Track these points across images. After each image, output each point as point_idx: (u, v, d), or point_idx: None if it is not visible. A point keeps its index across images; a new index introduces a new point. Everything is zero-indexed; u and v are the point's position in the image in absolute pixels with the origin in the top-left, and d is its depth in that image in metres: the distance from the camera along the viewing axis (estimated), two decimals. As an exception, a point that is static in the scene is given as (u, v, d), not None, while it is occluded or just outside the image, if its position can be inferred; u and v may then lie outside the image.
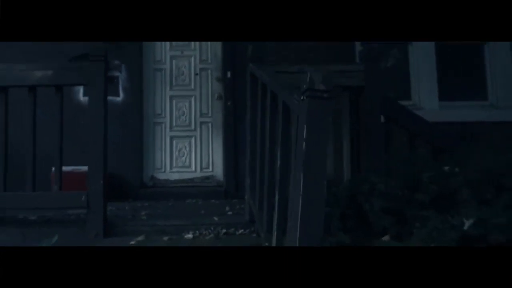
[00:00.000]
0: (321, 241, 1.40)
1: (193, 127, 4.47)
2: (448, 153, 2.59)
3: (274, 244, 1.77)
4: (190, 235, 2.24)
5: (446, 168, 1.91)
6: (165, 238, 2.23)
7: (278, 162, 1.81)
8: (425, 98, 4.75)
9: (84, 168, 2.77)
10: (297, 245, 1.42)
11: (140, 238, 2.27)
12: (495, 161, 1.96)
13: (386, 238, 1.68)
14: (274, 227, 1.80)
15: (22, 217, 2.57)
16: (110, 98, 3.54)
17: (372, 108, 2.48)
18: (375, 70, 2.51)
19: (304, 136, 1.48)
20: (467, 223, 1.49)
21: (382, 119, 2.76)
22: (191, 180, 4.37)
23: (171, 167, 4.41)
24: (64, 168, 2.78)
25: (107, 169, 2.68)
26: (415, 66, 4.80)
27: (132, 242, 2.16)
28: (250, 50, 2.90)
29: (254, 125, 2.55)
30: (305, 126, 1.48)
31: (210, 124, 4.46)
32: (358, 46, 4.68)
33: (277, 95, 1.92)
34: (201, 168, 4.43)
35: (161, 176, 4.40)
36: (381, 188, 1.58)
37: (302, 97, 1.52)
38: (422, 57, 4.79)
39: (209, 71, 4.51)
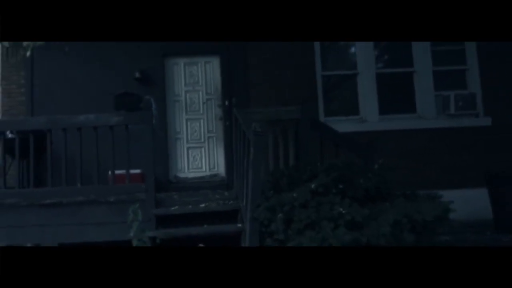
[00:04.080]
0: (258, 199, 3.23)
1: (202, 140, 6.32)
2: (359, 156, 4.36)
3: (243, 204, 3.61)
4: (203, 205, 4.09)
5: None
6: (190, 206, 4.08)
7: (245, 166, 3.65)
8: (368, 113, 6.48)
9: (135, 171, 4.64)
10: (250, 199, 3.24)
11: (175, 207, 4.12)
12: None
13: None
14: (244, 197, 3.63)
15: (104, 200, 4.39)
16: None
17: (305, 129, 4.28)
18: (305, 109, 4.30)
19: (252, 152, 3.31)
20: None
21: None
22: (203, 177, 6.21)
23: (188, 169, 6.26)
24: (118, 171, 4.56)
25: (154, 170, 4.52)
26: (361, 90, 6.55)
27: (172, 208, 4.02)
28: (234, 100, 4.70)
29: (236, 145, 4.37)
30: (252, 147, 3.31)
31: (214, 138, 6.30)
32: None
33: (244, 131, 3.75)
34: (209, 169, 6.27)
35: (181, 175, 6.25)
36: (286, 174, 3.37)
37: (251, 134, 3.35)
38: (366, 83, 6.52)
39: (213, 101, 6.35)
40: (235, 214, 3.84)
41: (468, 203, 5.92)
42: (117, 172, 4.46)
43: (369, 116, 6.52)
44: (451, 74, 6.81)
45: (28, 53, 4.51)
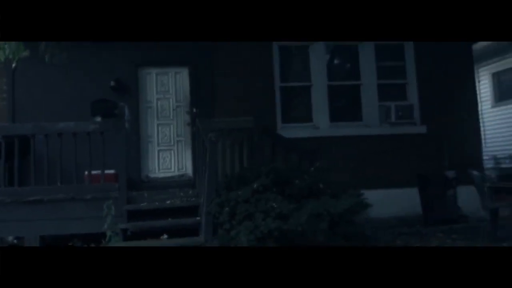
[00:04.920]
0: (212, 196, 3.95)
1: (172, 143, 6.97)
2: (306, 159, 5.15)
3: (202, 200, 4.33)
4: (168, 201, 4.78)
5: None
6: (156, 203, 4.77)
7: (203, 168, 4.36)
8: (320, 121, 7.28)
9: (109, 171, 5.27)
10: (205, 196, 3.97)
11: (144, 204, 4.80)
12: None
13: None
14: (202, 195, 4.34)
15: (82, 197, 5.02)
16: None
17: (257, 137, 5.03)
18: (258, 119, 5.05)
19: (208, 156, 4.03)
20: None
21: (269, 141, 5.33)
22: (172, 177, 6.86)
23: (159, 169, 6.90)
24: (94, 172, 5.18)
25: (110, 171, 5.14)
26: (315, 100, 7.34)
27: (142, 204, 4.70)
28: (198, 110, 5.40)
29: (198, 149, 5.08)
30: (207, 152, 4.03)
31: (183, 142, 6.96)
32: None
33: (203, 139, 4.46)
34: (178, 170, 6.94)
35: (152, 175, 6.89)
36: (236, 176, 4.11)
37: (208, 142, 4.07)
38: (319, 94, 7.30)
39: (182, 108, 7.02)
40: (196, 209, 4.54)
41: (404, 201, 6.88)
42: (93, 172, 5.09)
43: (321, 123, 7.31)
44: (393, 87, 7.69)
45: (13, 65, 5.05)
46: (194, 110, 6.85)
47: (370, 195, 6.67)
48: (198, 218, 4.28)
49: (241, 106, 6.85)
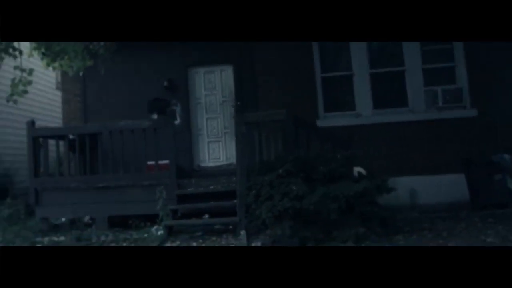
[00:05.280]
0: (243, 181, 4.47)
1: (220, 135, 7.62)
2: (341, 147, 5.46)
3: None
4: (212, 187, 5.41)
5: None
6: (201, 188, 5.42)
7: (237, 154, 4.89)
8: (363, 108, 7.40)
9: (164, 161, 6.04)
10: (238, 181, 4.49)
11: (190, 189, 5.48)
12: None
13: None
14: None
15: (140, 184, 5.82)
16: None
17: (289, 128, 5.43)
18: (288, 112, 5.43)
19: (237, 146, 4.54)
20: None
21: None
22: (220, 166, 7.52)
23: (208, 159, 7.61)
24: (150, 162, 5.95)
25: (165, 161, 5.86)
26: (357, 88, 7.46)
27: (189, 189, 5.38)
28: (241, 103, 5.91)
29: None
30: (237, 143, 4.55)
31: (230, 133, 7.55)
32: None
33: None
34: (226, 159, 7.58)
35: (203, 164, 7.61)
36: (265, 163, 4.56)
37: (238, 134, 4.58)
38: (361, 82, 7.42)
39: (228, 102, 7.63)
40: (235, 193, 5.10)
41: (452, 186, 6.79)
42: (149, 162, 5.90)
43: (363, 111, 7.42)
44: (440, 71, 7.48)
45: (81, 73, 5.99)
46: (238, 103, 7.42)
47: (416, 181, 6.85)
48: (235, 200, 4.83)
49: (282, 99, 7.25)
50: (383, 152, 7.15)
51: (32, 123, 5.71)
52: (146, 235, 4.84)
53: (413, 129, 7.16)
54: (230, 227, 4.76)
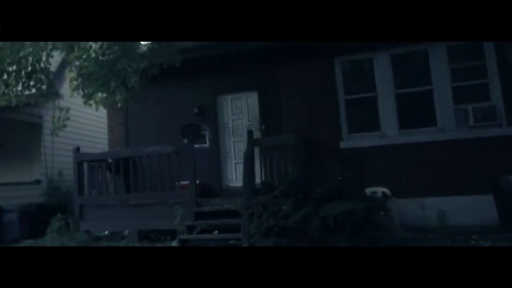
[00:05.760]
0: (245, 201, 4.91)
1: (246, 157, 8.13)
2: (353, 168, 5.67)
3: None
4: (226, 206, 5.87)
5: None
6: (217, 207, 5.91)
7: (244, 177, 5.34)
8: (388, 129, 7.42)
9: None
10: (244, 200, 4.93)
11: (207, 207, 5.99)
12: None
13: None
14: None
15: (166, 202, 6.46)
16: (201, 145, 7.48)
17: (298, 151, 5.77)
18: (298, 135, 5.78)
19: (244, 169, 4.99)
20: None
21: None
22: (246, 186, 7.99)
23: (236, 180, 8.12)
24: (182, 182, 6.63)
25: (196, 181, 6.46)
26: (381, 109, 7.50)
27: (205, 208, 5.90)
28: (265, 128, 6.37)
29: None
30: (243, 166, 4.99)
31: (255, 155, 8.03)
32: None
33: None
34: (261, 177, 8.01)
35: (231, 184, 8.14)
36: (267, 184, 4.94)
37: (244, 158, 5.04)
38: (386, 102, 7.48)
39: (253, 126, 8.14)
40: (244, 212, 5.53)
41: (482, 208, 6.56)
42: (182, 183, 6.55)
43: (389, 131, 7.43)
44: (470, 88, 7.13)
45: (119, 105, 6.86)
46: (263, 127, 7.90)
47: (444, 202, 6.71)
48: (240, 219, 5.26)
49: (305, 121, 7.61)
50: (410, 172, 7.12)
51: (77, 149, 6.68)
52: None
53: (442, 149, 6.98)
54: (238, 242, 5.18)
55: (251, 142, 5.76)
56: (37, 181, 9.50)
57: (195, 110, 8.17)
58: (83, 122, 10.49)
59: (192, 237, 5.36)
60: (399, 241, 4.98)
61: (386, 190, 7.04)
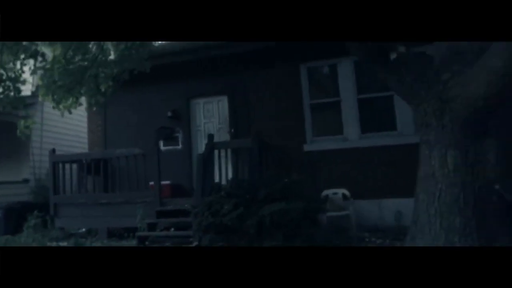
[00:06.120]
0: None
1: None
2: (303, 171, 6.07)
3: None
4: (186, 205, 6.29)
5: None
6: (179, 206, 6.32)
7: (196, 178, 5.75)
8: (350, 133, 7.79)
9: (164, 182, 7.08)
10: (194, 198, 5.35)
11: (170, 206, 6.40)
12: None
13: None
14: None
15: (132, 201, 6.90)
16: (174, 147, 7.90)
17: (254, 154, 6.17)
18: (254, 138, 6.18)
19: (196, 170, 5.40)
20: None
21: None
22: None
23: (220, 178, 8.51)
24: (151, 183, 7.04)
25: (167, 181, 6.87)
26: (344, 113, 7.87)
27: (168, 207, 6.32)
28: (234, 131, 6.80)
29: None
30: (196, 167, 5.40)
31: (223, 157, 8.43)
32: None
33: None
34: (220, 180, 8.43)
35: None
36: (215, 186, 5.34)
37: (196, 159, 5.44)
38: (348, 107, 7.85)
39: (223, 129, 8.54)
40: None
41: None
42: (151, 183, 6.98)
43: (350, 135, 7.83)
44: None
45: (94, 108, 7.28)
46: (232, 130, 8.30)
47: (402, 203, 7.01)
48: (195, 217, 5.66)
49: (272, 125, 8.01)
50: (369, 174, 7.46)
51: (53, 151, 7.12)
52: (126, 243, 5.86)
53: (401, 152, 7.18)
54: (191, 239, 5.58)
55: (210, 144, 6.16)
56: (26, 180, 9.96)
57: (169, 114, 8.58)
58: (72, 123, 10.93)
59: (150, 234, 5.77)
60: (352, 240, 5.35)
61: (346, 192, 7.44)
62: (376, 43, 3.72)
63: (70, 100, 5.97)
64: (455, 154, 3.19)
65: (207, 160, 5.67)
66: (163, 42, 12.66)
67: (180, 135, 8.61)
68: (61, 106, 5.89)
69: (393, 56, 3.50)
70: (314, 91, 8.26)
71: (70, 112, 5.98)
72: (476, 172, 3.11)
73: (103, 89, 6.59)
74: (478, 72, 3.24)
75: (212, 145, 6.19)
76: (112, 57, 6.83)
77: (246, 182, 5.17)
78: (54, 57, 5.06)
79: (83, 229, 7.59)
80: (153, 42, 9.29)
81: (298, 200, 5.01)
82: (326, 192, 7.47)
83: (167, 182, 7.56)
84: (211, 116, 8.67)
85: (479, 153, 3.11)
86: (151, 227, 6.04)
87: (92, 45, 5.80)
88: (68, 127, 11.00)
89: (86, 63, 5.58)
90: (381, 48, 3.70)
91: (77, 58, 5.51)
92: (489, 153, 3.06)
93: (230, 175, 6.70)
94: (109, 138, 8.82)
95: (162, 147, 8.58)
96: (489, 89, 3.10)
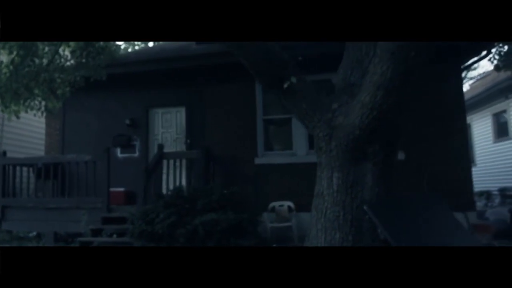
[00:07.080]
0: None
1: (171, 168, 8.75)
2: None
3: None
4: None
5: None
6: (125, 213, 6.52)
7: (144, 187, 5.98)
8: (299, 149, 8.21)
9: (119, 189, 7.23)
10: (143, 202, 5.56)
11: (116, 213, 6.58)
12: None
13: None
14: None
15: (80, 206, 7.03)
16: (131, 154, 8.08)
17: (199, 165, 6.45)
18: (201, 150, 6.46)
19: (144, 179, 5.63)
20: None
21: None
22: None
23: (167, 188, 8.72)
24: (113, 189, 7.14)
25: (121, 188, 7.03)
26: (294, 130, 8.24)
27: (113, 214, 6.50)
28: (190, 142, 7.04)
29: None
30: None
31: (178, 167, 8.67)
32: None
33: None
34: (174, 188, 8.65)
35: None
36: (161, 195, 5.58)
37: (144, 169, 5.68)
38: (298, 125, 8.20)
39: (180, 139, 8.79)
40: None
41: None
42: (112, 189, 7.11)
43: (299, 151, 8.21)
44: None
45: (44, 114, 7.40)
46: (188, 141, 8.55)
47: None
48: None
49: (227, 137, 8.32)
50: (312, 188, 7.85)
51: (3, 153, 7.18)
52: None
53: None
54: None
55: (159, 154, 6.40)
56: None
57: (127, 122, 8.76)
58: (37, 125, 10.88)
59: (93, 239, 5.94)
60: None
61: (291, 204, 7.82)
62: (270, 72, 4.13)
63: (21, 104, 6.11)
64: (338, 176, 3.60)
65: (152, 170, 5.90)
66: (128, 51, 12.86)
67: (137, 143, 8.79)
68: (9, 110, 6.03)
69: (286, 84, 3.88)
70: (268, 107, 8.64)
71: (18, 117, 6.10)
72: (355, 193, 3.54)
73: (59, 94, 6.76)
74: (355, 105, 3.69)
75: (161, 155, 6.43)
76: (68, 63, 7.02)
77: (187, 192, 5.42)
78: (1, 62, 5.22)
79: (34, 233, 7.65)
80: (116, 50, 9.52)
81: (236, 210, 5.31)
82: (273, 203, 7.85)
83: (121, 189, 7.74)
84: (169, 126, 8.91)
85: (358, 176, 3.53)
86: (95, 233, 6.19)
87: (42, 49, 5.96)
88: (34, 129, 10.97)
89: (34, 68, 5.73)
90: (275, 77, 4.10)
91: (25, 63, 5.67)
92: (367, 176, 3.49)
93: (184, 185, 6.94)
94: (67, 143, 8.91)
95: (119, 154, 8.75)
96: (361, 120, 3.55)
